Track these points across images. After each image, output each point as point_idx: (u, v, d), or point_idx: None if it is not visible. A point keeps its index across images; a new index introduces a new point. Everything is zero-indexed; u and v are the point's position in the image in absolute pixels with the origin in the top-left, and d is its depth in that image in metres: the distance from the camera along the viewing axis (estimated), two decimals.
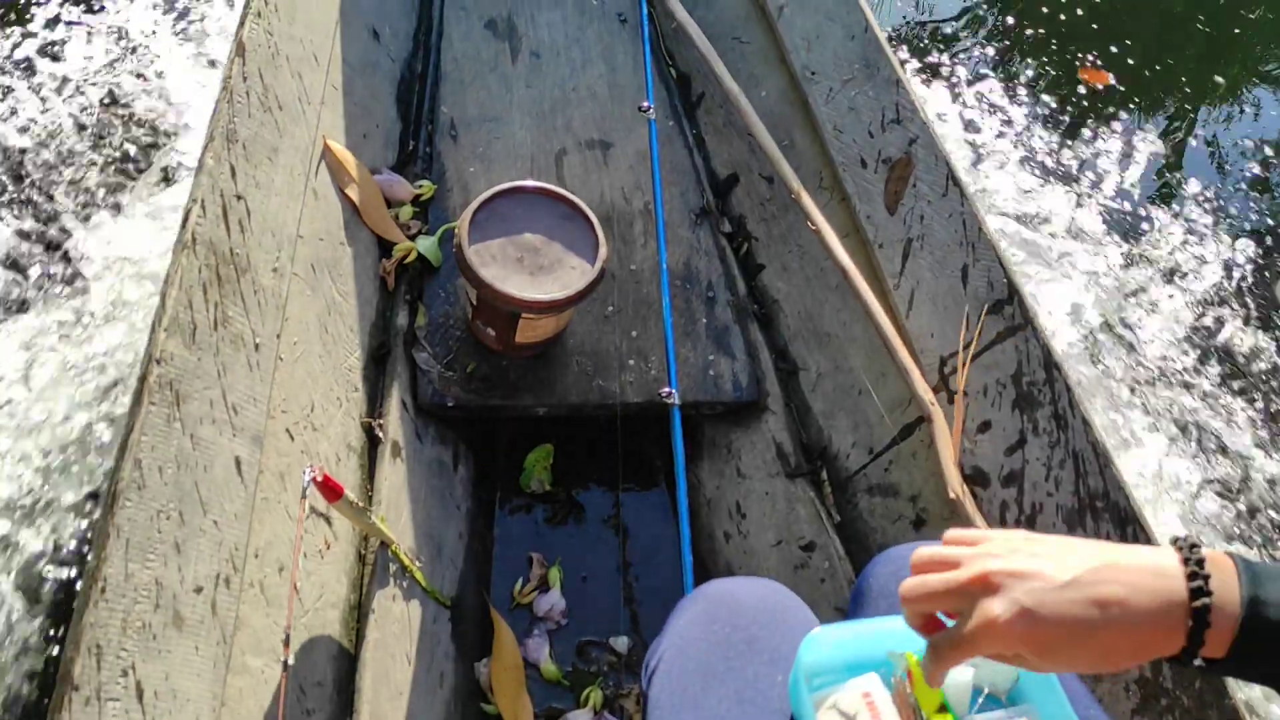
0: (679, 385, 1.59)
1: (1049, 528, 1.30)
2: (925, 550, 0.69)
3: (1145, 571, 0.59)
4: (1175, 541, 0.61)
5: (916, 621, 0.69)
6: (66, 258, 2.05)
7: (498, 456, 1.78)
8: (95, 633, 0.89)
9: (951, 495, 1.35)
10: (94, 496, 1.73)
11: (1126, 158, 2.99)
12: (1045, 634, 0.59)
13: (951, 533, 0.70)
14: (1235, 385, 2.40)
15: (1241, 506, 2.13)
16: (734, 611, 0.95)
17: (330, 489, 1.21)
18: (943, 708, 0.80)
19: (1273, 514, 2.13)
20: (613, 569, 1.72)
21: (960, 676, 0.80)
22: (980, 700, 0.81)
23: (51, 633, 1.57)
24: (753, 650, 0.91)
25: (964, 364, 1.44)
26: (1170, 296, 2.58)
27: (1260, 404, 2.36)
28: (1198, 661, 0.59)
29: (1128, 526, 1.20)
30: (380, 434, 1.50)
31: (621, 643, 1.62)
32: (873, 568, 1.04)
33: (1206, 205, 2.89)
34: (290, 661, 1.08)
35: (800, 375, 1.78)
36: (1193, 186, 2.96)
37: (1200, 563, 0.59)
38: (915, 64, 3.17)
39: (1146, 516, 1.19)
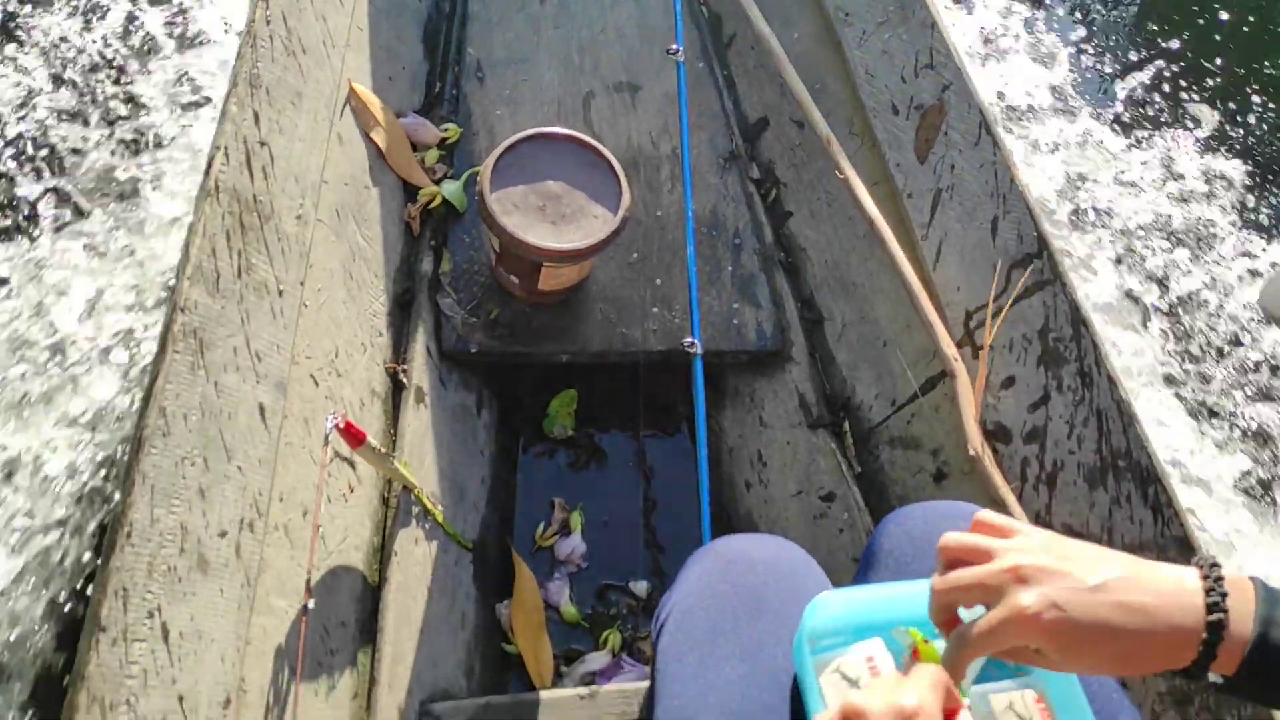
0: (703, 334, 1.58)
1: (1070, 486, 1.30)
2: (955, 537, 0.70)
3: (1169, 583, 0.62)
4: (1198, 561, 0.63)
5: (941, 616, 0.69)
6: (80, 210, 2.06)
7: (521, 402, 1.80)
8: (121, 576, 0.91)
9: (972, 452, 1.34)
10: (124, 441, 1.76)
11: (1183, 115, 2.88)
12: (1071, 631, 0.61)
13: (983, 515, 0.71)
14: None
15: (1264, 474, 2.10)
16: (745, 570, 0.95)
17: (353, 435, 1.22)
18: None
19: None
20: (633, 514, 1.74)
21: None
22: (978, 669, 0.81)
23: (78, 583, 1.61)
24: (761, 610, 0.91)
25: (990, 318, 1.43)
26: (1218, 262, 2.52)
27: None
28: (1211, 677, 0.60)
29: (1149, 487, 1.19)
30: (404, 380, 1.51)
31: (641, 587, 1.64)
32: (885, 526, 1.04)
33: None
34: (312, 604, 1.11)
35: (825, 325, 1.77)
36: (1258, 130, 2.86)
37: (1220, 580, 0.61)
38: (951, 6, 3.09)
39: (1170, 477, 1.18)
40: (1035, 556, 0.64)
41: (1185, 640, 0.60)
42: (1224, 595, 0.60)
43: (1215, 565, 0.62)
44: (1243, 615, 0.60)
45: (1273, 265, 2.49)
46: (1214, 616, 0.59)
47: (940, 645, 0.80)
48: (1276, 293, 2.37)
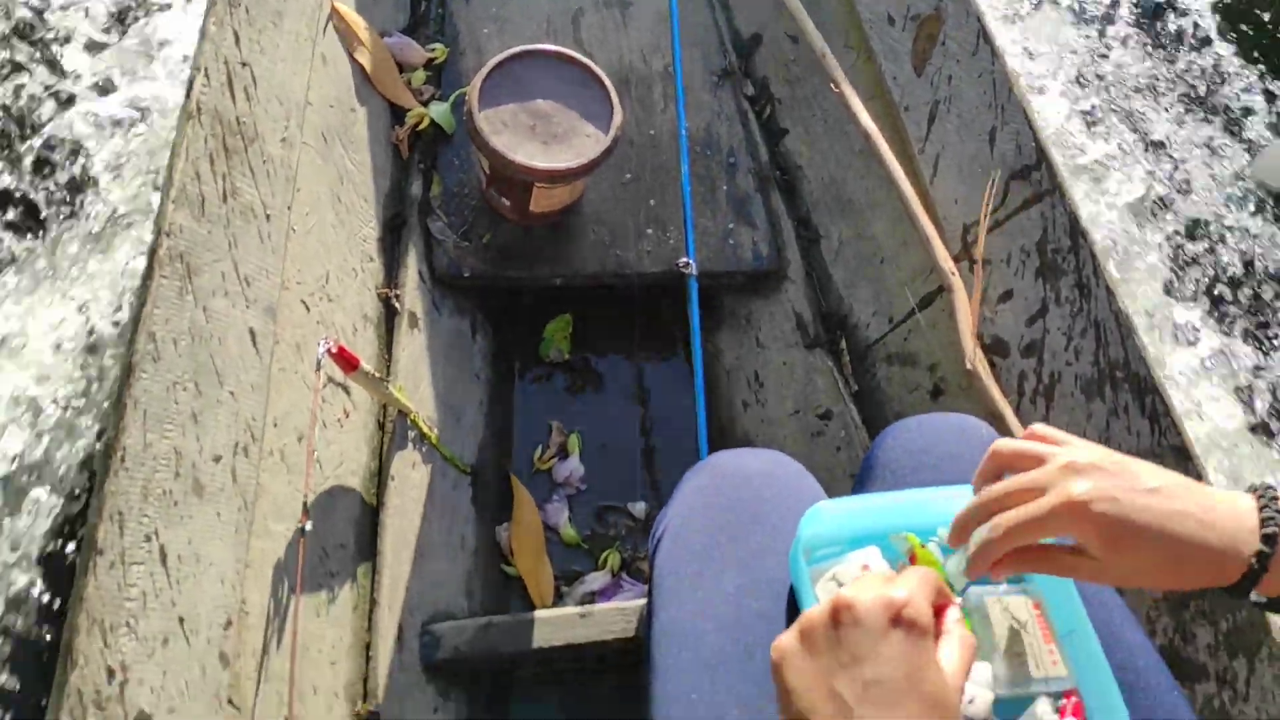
0: (698, 255, 1.56)
1: (1067, 398, 1.29)
2: (1008, 442, 0.69)
3: (1223, 500, 0.62)
4: (1253, 486, 0.63)
5: (974, 523, 0.68)
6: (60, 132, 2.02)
7: (516, 326, 1.79)
8: (117, 500, 0.91)
9: (969, 366, 1.34)
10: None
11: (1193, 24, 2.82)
12: (1120, 525, 0.60)
13: (1037, 427, 0.70)
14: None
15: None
16: (740, 483, 0.95)
17: (346, 360, 1.22)
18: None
19: None
20: (631, 437, 1.74)
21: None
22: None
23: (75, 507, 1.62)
24: (756, 521, 0.91)
25: (986, 232, 1.41)
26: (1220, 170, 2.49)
27: None
28: (1253, 596, 0.60)
29: (1146, 397, 1.18)
30: (397, 305, 1.50)
31: (639, 508, 1.64)
32: (882, 440, 1.04)
33: None
34: (309, 527, 1.11)
35: (821, 244, 1.75)
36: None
37: (1275, 501, 0.61)
38: None
39: (1167, 388, 1.18)
40: (1092, 457, 0.64)
41: (1235, 554, 0.59)
42: (1279, 513, 0.59)
43: (1271, 488, 0.62)
44: None
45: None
46: (1268, 529, 0.59)
47: (936, 550, 0.80)
48: (1271, 165, 2.33)
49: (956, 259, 1.46)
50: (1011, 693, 0.79)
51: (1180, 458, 1.13)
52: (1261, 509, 0.60)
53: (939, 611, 0.61)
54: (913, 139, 1.60)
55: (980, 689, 0.76)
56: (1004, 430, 1.26)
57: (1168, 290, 2.20)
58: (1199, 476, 1.11)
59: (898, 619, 0.55)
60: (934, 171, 1.55)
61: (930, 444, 0.99)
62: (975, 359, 1.34)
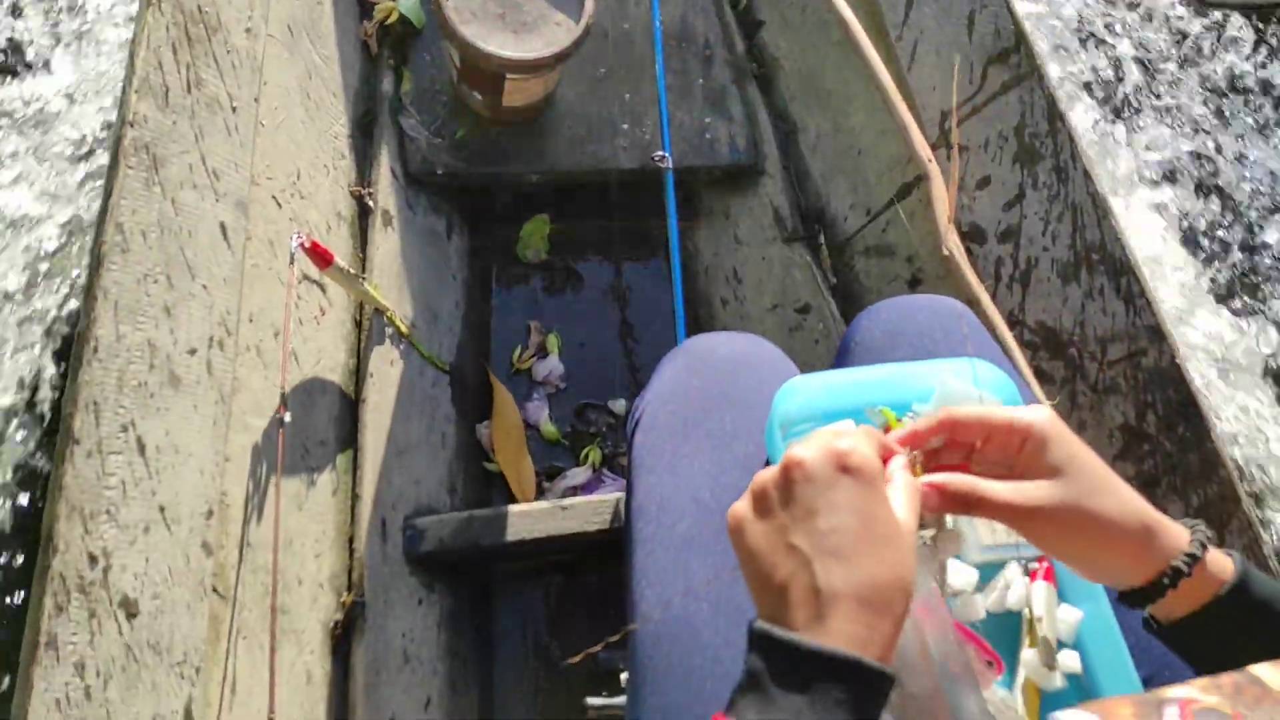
0: (674, 150, 1.55)
1: (1043, 283, 1.30)
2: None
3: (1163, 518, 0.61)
4: (1190, 524, 0.62)
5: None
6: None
7: (493, 227, 1.77)
8: (91, 390, 0.91)
9: (945, 252, 1.34)
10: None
11: None
12: (1082, 455, 0.60)
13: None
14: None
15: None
16: (715, 364, 0.95)
17: (320, 255, 1.21)
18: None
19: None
20: (610, 335, 1.74)
21: None
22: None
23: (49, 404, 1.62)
24: (732, 400, 0.92)
25: (961, 118, 1.40)
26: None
27: None
28: (1147, 611, 0.62)
29: (1122, 278, 1.19)
30: (370, 203, 1.48)
31: (619, 405, 1.65)
32: (858, 322, 1.04)
33: None
34: (288, 418, 1.11)
35: (799, 137, 1.73)
36: None
37: (1208, 538, 0.61)
38: None
39: (1141, 269, 1.18)
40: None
41: (1159, 553, 0.59)
42: (1207, 541, 0.60)
43: (1204, 530, 0.62)
44: (1221, 558, 0.61)
45: None
46: (1193, 550, 0.59)
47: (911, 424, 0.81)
48: None
49: (934, 147, 1.45)
50: (984, 558, 0.81)
51: (1154, 337, 1.14)
52: (1193, 536, 0.60)
53: (885, 461, 0.61)
54: (890, 25, 1.58)
55: (961, 572, 0.77)
56: (980, 315, 1.26)
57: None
58: (1172, 356, 1.12)
59: (845, 467, 0.55)
60: (911, 59, 1.53)
61: (906, 323, 1.00)
62: (952, 244, 1.34)
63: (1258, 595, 0.60)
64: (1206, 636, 0.60)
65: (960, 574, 0.79)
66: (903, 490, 0.58)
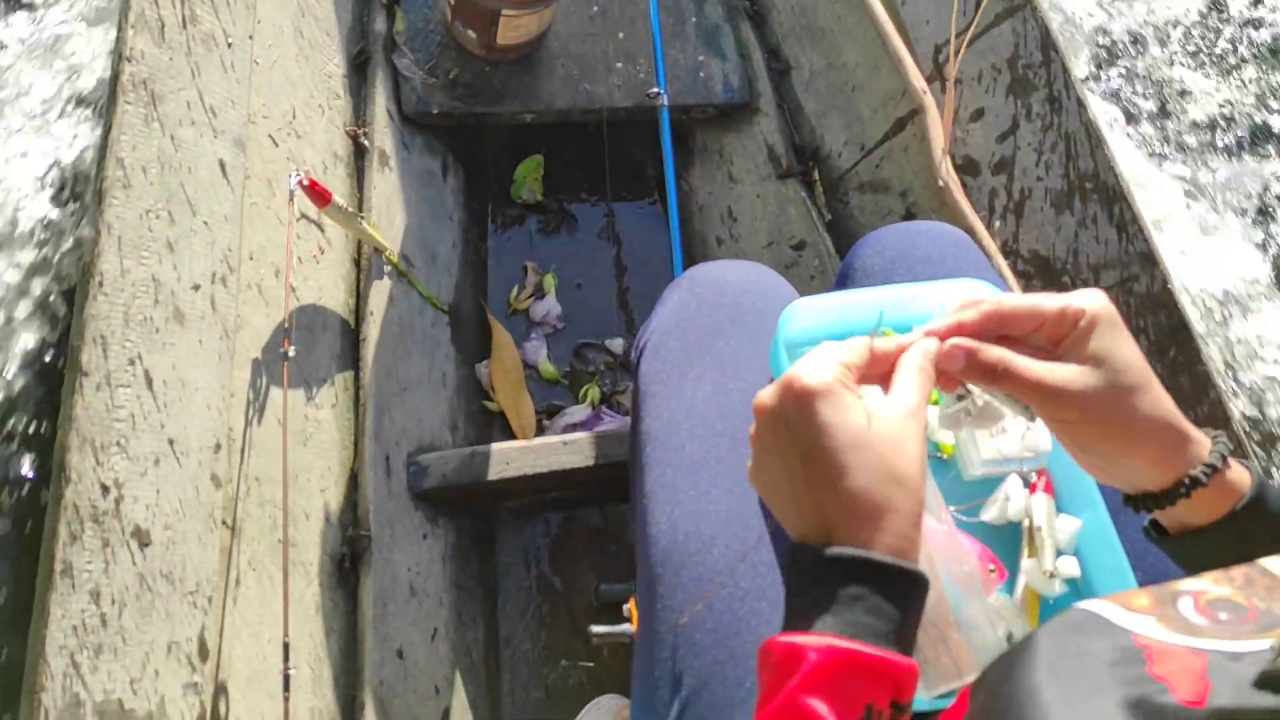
0: (668, 88, 1.54)
1: (1037, 212, 1.31)
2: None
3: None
4: (1213, 434, 0.61)
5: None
6: None
7: (488, 167, 1.77)
8: (98, 324, 0.92)
9: (940, 183, 1.35)
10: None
11: None
12: (1124, 339, 0.58)
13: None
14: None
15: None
16: (719, 291, 0.96)
17: (318, 193, 1.21)
18: None
19: None
20: (607, 275, 1.75)
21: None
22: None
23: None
24: (736, 325, 0.93)
25: (957, 50, 1.40)
26: None
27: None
28: (1152, 517, 0.61)
29: (1115, 205, 1.20)
30: (366, 143, 1.48)
31: (617, 344, 1.66)
32: (857, 250, 1.05)
33: None
34: (292, 352, 1.12)
35: (793, 74, 1.73)
36: None
37: (1226, 448, 0.59)
38: None
39: (1134, 196, 1.19)
40: None
41: (1181, 458, 0.58)
42: (1227, 452, 0.59)
43: (1224, 441, 0.60)
44: (1239, 470, 0.59)
45: None
46: (1220, 448, 0.58)
47: None
48: None
49: (928, 79, 1.45)
50: (985, 471, 0.83)
51: (1146, 263, 1.16)
52: (1213, 447, 0.59)
53: (883, 366, 0.60)
54: None
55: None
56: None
57: None
58: (1164, 282, 1.14)
59: (793, 395, 0.55)
60: None
61: (906, 249, 1.00)
62: (947, 176, 1.35)
63: (1273, 510, 0.59)
64: (1217, 549, 0.59)
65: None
66: (907, 375, 0.58)
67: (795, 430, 0.55)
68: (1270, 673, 0.40)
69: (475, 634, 1.39)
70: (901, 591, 0.53)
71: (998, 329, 0.60)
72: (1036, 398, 0.58)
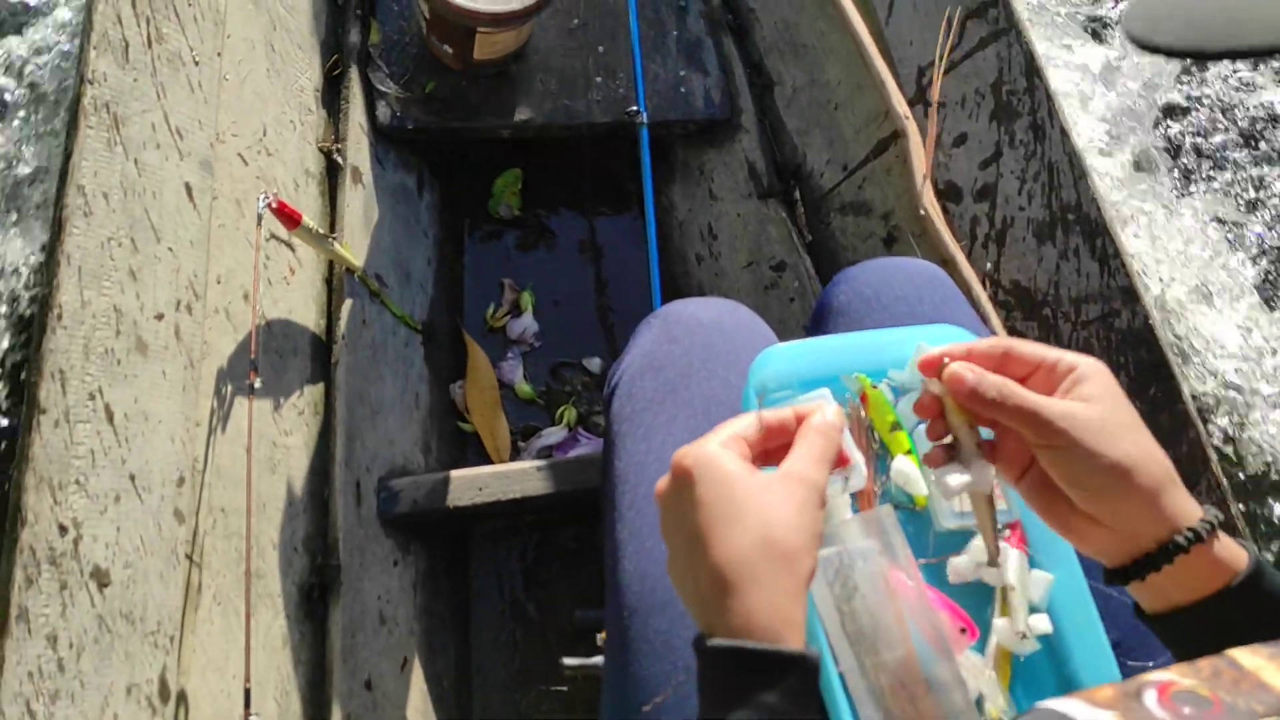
0: (648, 103, 1.52)
1: (1019, 242, 1.29)
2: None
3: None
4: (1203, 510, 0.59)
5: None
6: None
7: (465, 182, 1.74)
8: (57, 358, 0.89)
9: (921, 211, 1.33)
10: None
11: None
12: (1120, 401, 0.58)
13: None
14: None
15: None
16: (693, 330, 0.95)
17: (287, 215, 1.18)
18: (896, 426, 0.81)
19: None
20: (585, 293, 1.73)
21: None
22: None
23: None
24: (709, 367, 0.91)
25: (941, 73, 1.38)
26: None
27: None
28: (1131, 592, 0.60)
29: (1097, 239, 1.19)
30: (339, 159, 1.45)
31: (595, 363, 1.65)
32: (834, 285, 1.03)
33: None
34: (259, 384, 1.10)
35: (775, 91, 1.71)
36: None
37: (1214, 525, 0.58)
38: None
39: (1116, 230, 1.18)
40: None
41: (1163, 523, 0.56)
42: (1214, 522, 0.57)
43: (1216, 518, 0.59)
44: (1234, 548, 0.57)
45: None
46: (1209, 516, 0.57)
47: (887, 391, 0.81)
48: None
49: (911, 103, 1.43)
50: (957, 524, 0.81)
51: (1128, 298, 1.14)
52: (1203, 515, 0.57)
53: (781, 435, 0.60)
54: None
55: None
56: (954, 275, 1.26)
57: None
58: (1145, 318, 1.13)
59: (679, 475, 0.56)
60: (889, 11, 1.51)
61: (881, 288, 0.99)
62: (928, 203, 1.33)
63: (1269, 591, 0.57)
64: (1208, 629, 0.57)
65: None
66: (800, 439, 0.59)
67: (682, 510, 0.55)
68: None
69: (447, 662, 1.37)
70: (772, 678, 0.51)
71: (1000, 366, 0.61)
72: (1030, 424, 0.58)
